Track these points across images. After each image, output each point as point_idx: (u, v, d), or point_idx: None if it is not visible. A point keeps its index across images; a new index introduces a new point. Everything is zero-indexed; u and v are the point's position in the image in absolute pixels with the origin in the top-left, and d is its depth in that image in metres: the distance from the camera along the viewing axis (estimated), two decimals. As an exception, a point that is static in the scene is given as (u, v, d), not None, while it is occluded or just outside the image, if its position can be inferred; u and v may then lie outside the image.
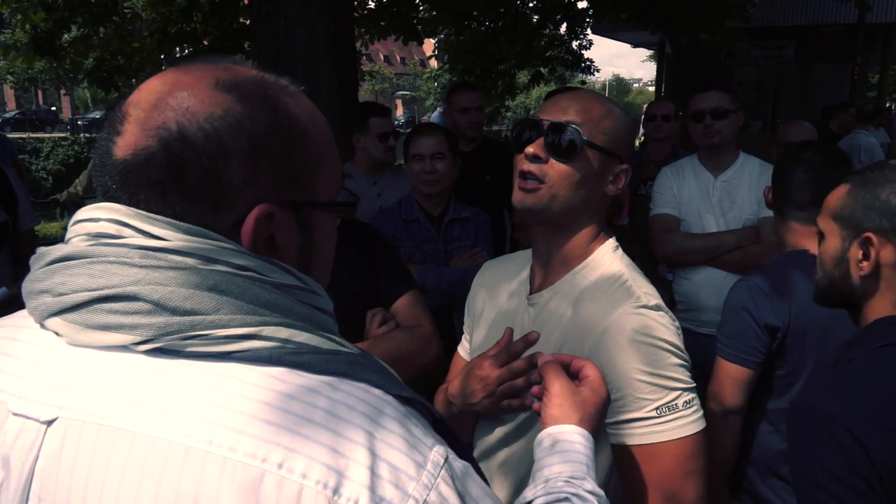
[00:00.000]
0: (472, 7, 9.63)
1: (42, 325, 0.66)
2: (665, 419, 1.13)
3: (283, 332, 0.64)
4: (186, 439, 0.58)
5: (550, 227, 1.27)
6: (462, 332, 1.55)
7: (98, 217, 0.65)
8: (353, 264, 1.78)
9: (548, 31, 11.43)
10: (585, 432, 0.98)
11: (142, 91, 0.67)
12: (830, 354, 1.66)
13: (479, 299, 1.48)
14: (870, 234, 1.20)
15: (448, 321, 2.57)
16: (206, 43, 7.00)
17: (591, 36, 13.17)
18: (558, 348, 1.22)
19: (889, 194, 1.18)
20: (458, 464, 0.63)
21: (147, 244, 0.63)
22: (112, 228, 0.65)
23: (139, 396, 0.60)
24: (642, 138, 4.12)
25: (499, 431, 1.32)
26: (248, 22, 6.51)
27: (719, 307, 1.92)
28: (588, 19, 11.20)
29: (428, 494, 0.58)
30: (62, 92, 37.78)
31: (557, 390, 1.01)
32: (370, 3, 8.01)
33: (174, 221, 0.64)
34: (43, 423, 0.63)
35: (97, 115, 28.30)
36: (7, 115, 30.50)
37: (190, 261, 0.63)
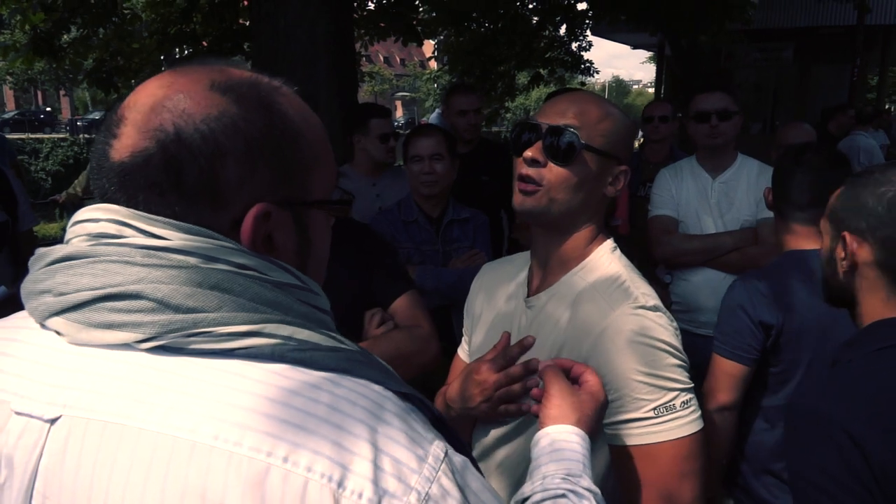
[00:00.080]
0: (471, 8, 9.65)
1: (42, 325, 0.67)
2: (662, 419, 1.13)
3: (285, 330, 0.65)
4: (192, 435, 0.58)
5: (549, 229, 1.28)
6: (461, 334, 1.56)
7: (98, 217, 0.66)
8: (351, 264, 1.78)
9: (547, 32, 11.44)
10: (582, 432, 0.99)
11: (137, 94, 0.68)
12: (828, 355, 1.68)
13: (477, 302, 1.48)
14: (846, 234, 1.23)
15: (447, 322, 2.57)
16: (205, 44, 7.01)
17: (590, 37, 13.24)
18: (557, 349, 1.23)
19: (868, 195, 1.20)
20: (458, 458, 0.65)
21: (149, 243, 0.64)
22: (113, 228, 0.65)
23: (143, 393, 0.61)
24: (641, 140, 4.12)
25: (497, 432, 1.32)
26: (247, 23, 6.52)
27: (717, 308, 1.94)
28: (588, 21, 11.22)
29: (430, 487, 0.59)
30: (62, 93, 37.78)
31: (556, 392, 1.03)
32: (370, 4, 8.02)
33: (174, 221, 0.65)
34: (46, 421, 0.63)
35: (97, 115, 28.31)
36: (6, 116, 30.50)
37: (191, 260, 0.64)
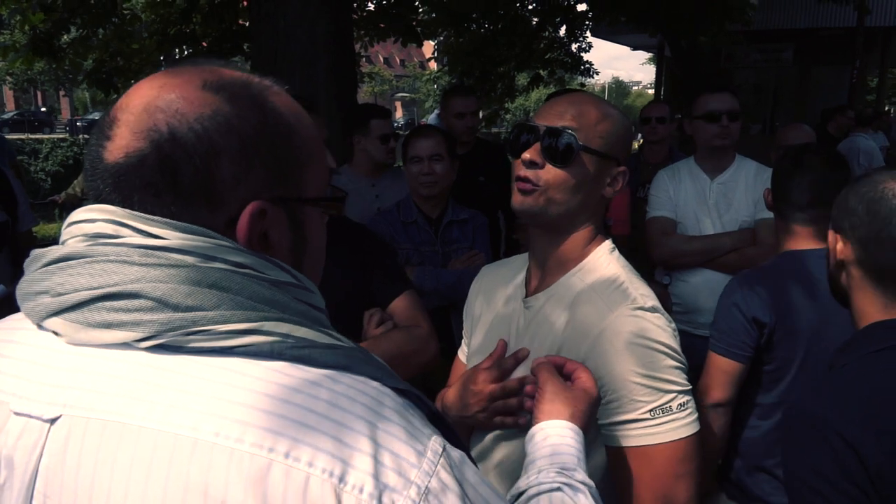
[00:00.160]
0: (471, 9, 9.65)
1: (40, 326, 0.67)
2: (658, 421, 1.13)
3: (283, 328, 0.65)
4: (193, 432, 0.58)
5: (548, 230, 1.28)
6: (460, 335, 1.56)
7: (94, 218, 0.66)
8: (346, 264, 1.79)
9: (547, 33, 11.45)
10: (576, 427, 1.01)
11: (130, 96, 0.68)
12: (822, 355, 1.68)
13: (476, 304, 1.48)
14: (831, 232, 1.27)
15: (446, 323, 2.57)
16: (205, 44, 7.01)
17: (590, 38, 13.27)
18: (555, 351, 1.23)
19: (853, 195, 1.22)
20: (455, 452, 0.65)
21: (146, 243, 0.64)
22: (110, 229, 0.65)
23: (143, 392, 0.61)
24: (640, 141, 4.12)
25: (495, 433, 1.32)
26: (247, 23, 6.52)
27: (716, 309, 1.94)
28: (587, 22, 11.23)
29: (429, 481, 0.60)
30: (61, 93, 37.79)
31: (550, 388, 1.05)
32: (370, 4, 8.02)
33: (171, 221, 0.65)
34: (46, 421, 0.63)
35: (96, 116, 28.29)
36: (5, 117, 30.51)
37: (189, 259, 0.64)
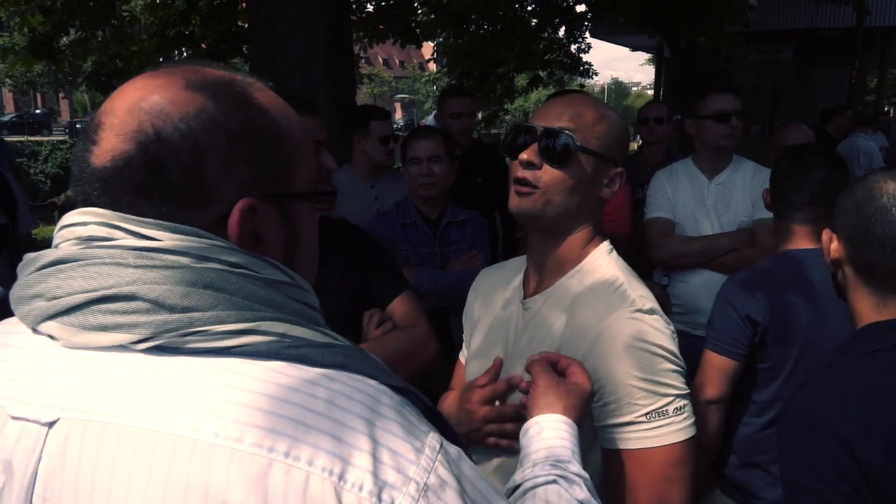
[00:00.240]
0: (470, 10, 9.65)
1: (35, 330, 0.66)
2: (654, 425, 1.14)
3: (280, 327, 0.65)
4: (193, 433, 0.59)
5: (545, 231, 1.28)
6: (459, 336, 1.56)
7: (87, 221, 0.66)
8: (344, 264, 1.79)
9: (546, 34, 11.45)
10: (570, 420, 1.02)
11: (113, 99, 0.68)
12: (817, 354, 1.69)
13: (475, 307, 1.49)
14: (825, 230, 1.28)
15: (445, 324, 2.57)
16: (204, 46, 7.01)
17: (589, 39, 13.24)
18: (553, 352, 1.23)
19: (847, 194, 1.22)
20: (452, 448, 0.66)
21: (140, 245, 0.64)
22: (103, 231, 0.65)
23: (141, 393, 0.61)
24: (640, 142, 4.12)
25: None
26: (246, 25, 6.51)
27: (715, 309, 1.95)
28: (586, 23, 11.22)
29: (428, 477, 0.61)
30: (61, 95, 37.79)
31: (543, 382, 1.06)
32: (368, 6, 8.03)
33: (163, 222, 0.65)
34: (44, 424, 0.63)
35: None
36: (4, 119, 30.52)
37: (184, 259, 0.64)
